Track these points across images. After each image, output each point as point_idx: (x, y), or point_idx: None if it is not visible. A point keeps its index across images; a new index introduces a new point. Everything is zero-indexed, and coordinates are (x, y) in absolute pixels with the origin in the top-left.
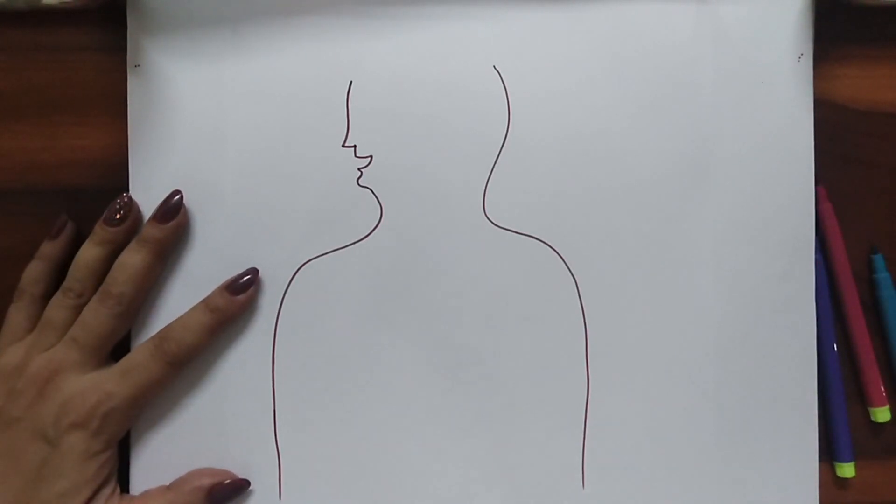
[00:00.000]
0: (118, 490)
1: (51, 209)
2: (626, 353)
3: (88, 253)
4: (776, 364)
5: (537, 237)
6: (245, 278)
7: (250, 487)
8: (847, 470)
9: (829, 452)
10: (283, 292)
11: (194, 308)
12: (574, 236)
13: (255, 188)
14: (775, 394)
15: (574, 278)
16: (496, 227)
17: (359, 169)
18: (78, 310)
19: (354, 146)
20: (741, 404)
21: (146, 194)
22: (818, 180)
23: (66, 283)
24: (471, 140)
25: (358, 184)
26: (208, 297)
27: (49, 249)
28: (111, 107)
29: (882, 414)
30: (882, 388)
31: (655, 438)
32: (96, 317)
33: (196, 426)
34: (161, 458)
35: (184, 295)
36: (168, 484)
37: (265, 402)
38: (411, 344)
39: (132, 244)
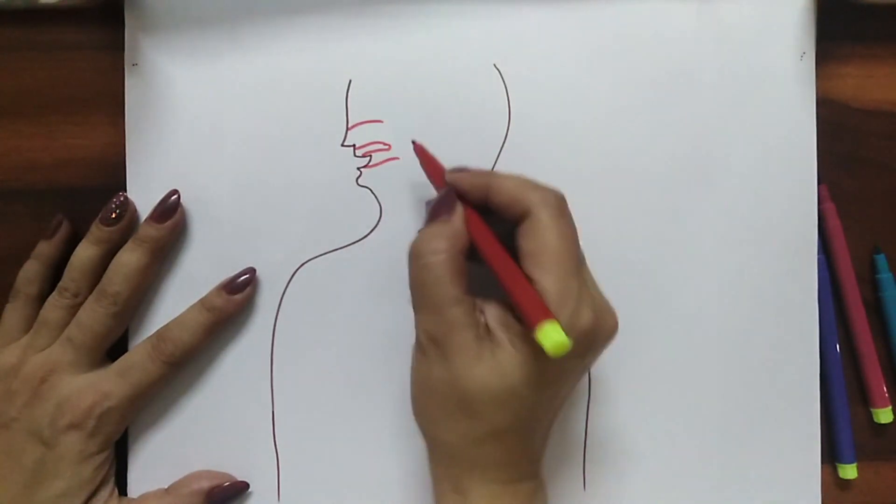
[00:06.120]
0: (116, 492)
1: (47, 209)
2: (628, 353)
3: (84, 253)
4: (778, 365)
5: None
6: (242, 278)
7: (249, 489)
8: (849, 471)
9: (831, 454)
10: (281, 293)
11: (191, 307)
12: None
13: (253, 187)
14: (777, 394)
15: None
16: None
17: (358, 168)
18: (74, 310)
19: (353, 145)
20: (743, 405)
21: (144, 194)
22: (820, 180)
23: (61, 283)
24: (471, 138)
25: (357, 183)
26: (205, 297)
27: (45, 249)
28: (109, 106)
29: (885, 415)
30: (885, 389)
31: (657, 439)
32: (92, 317)
33: (194, 428)
34: (159, 461)
35: (181, 295)
36: (166, 487)
37: (264, 404)
38: (411, 344)
39: (129, 244)
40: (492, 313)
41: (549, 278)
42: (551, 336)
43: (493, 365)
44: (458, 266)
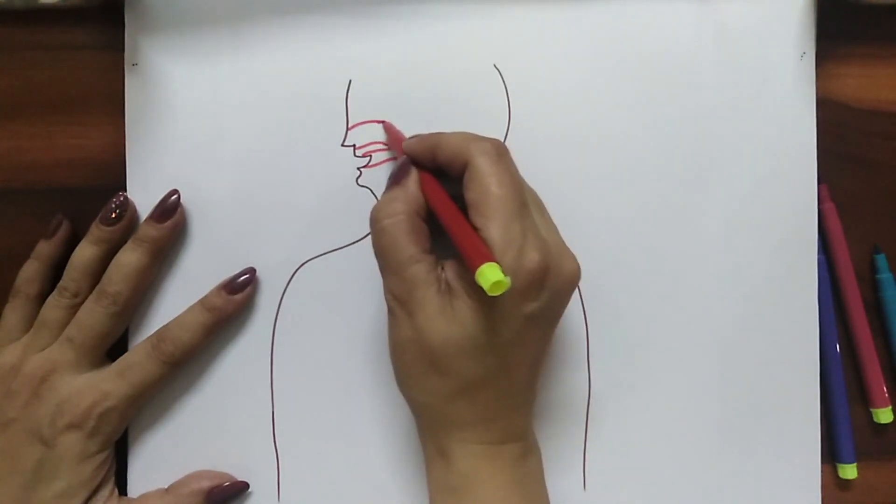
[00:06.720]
0: (116, 492)
1: (47, 208)
2: (628, 353)
3: (84, 252)
4: (778, 365)
5: None
6: (242, 278)
7: (249, 489)
8: (849, 471)
9: (831, 454)
10: (281, 293)
11: (191, 308)
12: (574, 235)
13: (253, 187)
14: (777, 394)
15: None
16: None
17: (358, 168)
18: (74, 309)
19: (353, 145)
20: (743, 405)
21: (144, 194)
22: (821, 179)
23: (61, 283)
24: None
25: (357, 183)
26: (205, 297)
27: (45, 249)
28: (109, 106)
29: (885, 415)
30: (885, 389)
31: (657, 439)
32: (92, 316)
33: (194, 428)
34: (159, 460)
35: (181, 295)
36: (166, 487)
37: (264, 404)
38: None
39: (129, 243)
40: (451, 268)
41: (491, 225)
42: (488, 276)
43: (452, 316)
44: (415, 226)
